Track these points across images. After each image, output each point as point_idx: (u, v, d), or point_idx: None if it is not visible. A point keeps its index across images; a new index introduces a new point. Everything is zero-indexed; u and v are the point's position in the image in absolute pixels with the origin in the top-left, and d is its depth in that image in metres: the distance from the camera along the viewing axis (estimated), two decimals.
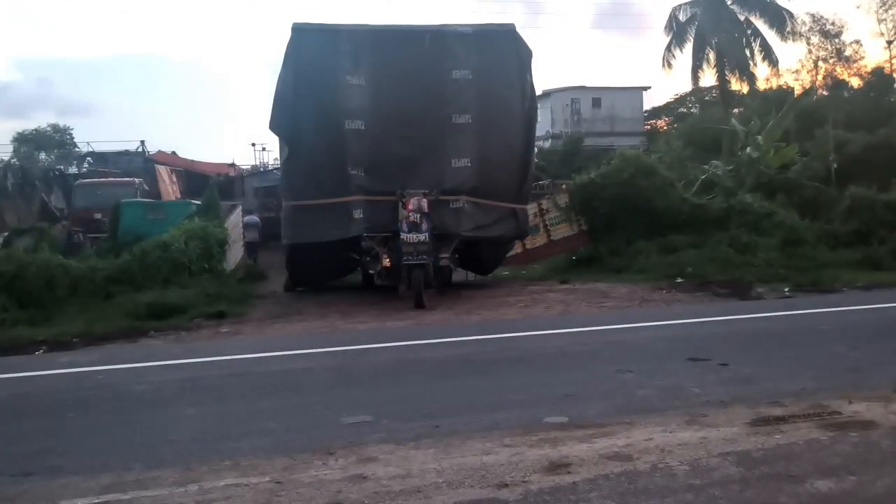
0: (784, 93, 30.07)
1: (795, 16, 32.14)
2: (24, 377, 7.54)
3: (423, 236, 11.50)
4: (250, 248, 19.79)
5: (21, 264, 11.56)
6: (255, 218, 20.94)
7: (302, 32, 12.68)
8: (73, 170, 32.97)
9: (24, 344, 9.44)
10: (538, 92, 15.33)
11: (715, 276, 13.20)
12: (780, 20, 31.30)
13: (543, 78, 50.57)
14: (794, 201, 17.49)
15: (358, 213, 12.33)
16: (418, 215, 11.59)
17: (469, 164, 12.53)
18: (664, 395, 5.75)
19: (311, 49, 12.58)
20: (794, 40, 32.70)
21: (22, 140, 39.63)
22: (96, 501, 3.99)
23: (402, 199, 11.97)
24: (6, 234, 18.33)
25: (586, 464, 4.23)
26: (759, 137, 19.61)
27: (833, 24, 33.12)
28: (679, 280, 13.15)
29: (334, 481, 4.12)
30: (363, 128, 12.31)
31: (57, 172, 29.72)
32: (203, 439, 5.09)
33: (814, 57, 33.63)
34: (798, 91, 31.01)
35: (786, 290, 12.08)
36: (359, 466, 4.33)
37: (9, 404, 6.50)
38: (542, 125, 31.48)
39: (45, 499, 4.05)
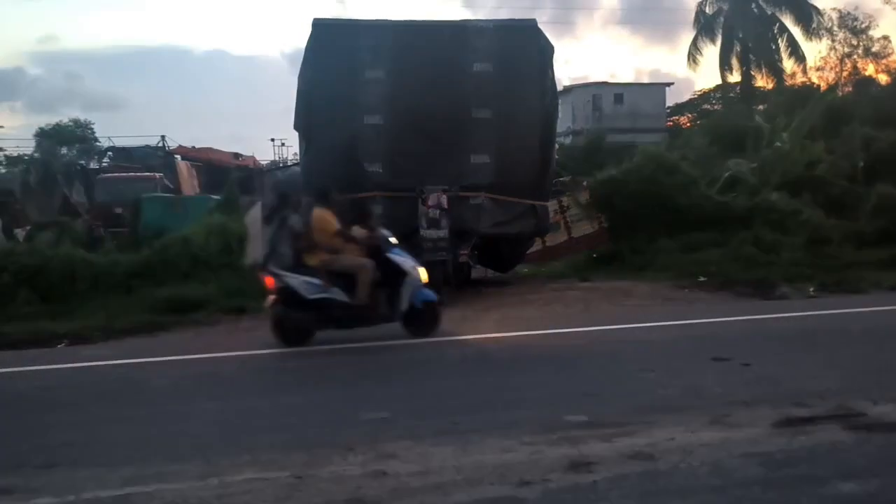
0: (810, 89, 29.69)
1: (822, 11, 31.77)
2: (47, 370, 7.63)
3: (442, 233, 11.48)
4: None
5: (44, 258, 11.68)
6: None
7: (322, 28, 12.71)
8: (94, 165, 33.35)
9: (47, 337, 9.54)
10: (559, 88, 15.25)
11: (738, 275, 13.03)
12: (807, 16, 30.93)
13: (565, 73, 50.44)
14: (819, 200, 17.23)
15: (376, 210, 12.32)
16: (437, 212, 11.57)
17: (488, 160, 12.49)
18: (686, 394, 5.70)
19: (331, 44, 12.60)
20: (820, 37, 32.30)
21: (44, 135, 40.12)
22: (118, 493, 4.02)
23: (421, 196, 11.95)
24: (29, 228, 18.56)
25: (607, 463, 4.20)
26: (785, 135, 19.37)
27: (857, 19, 32.66)
28: (701, 279, 13.01)
29: (354, 477, 4.12)
30: (381, 123, 12.31)
31: (78, 167, 30.06)
32: (223, 434, 5.11)
33: (839, 53, 33.20)
34: (823, 88, 30.63)
35: (811, 289, 11.92)
36: (378, 462, 4.33)
37: (32, 397, 6.58)
38: (563, 121, 31.32)
39: (69, 490, 4.09)
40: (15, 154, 36.63)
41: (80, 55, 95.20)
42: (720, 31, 32.24)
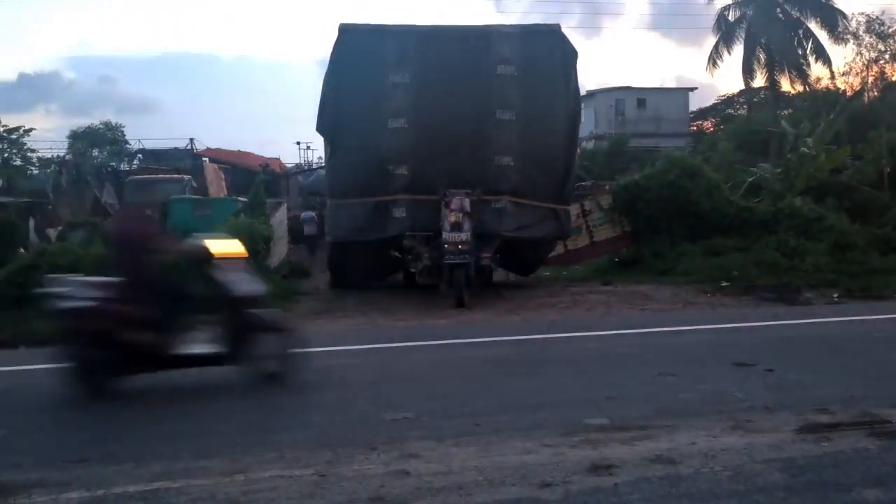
0: (835, 95, 29.37)
1: (849, 16, 31.37)
2: None
3: (464, 236, 11.54)
4: (309, 241, 21.19)
5: (75, 258, 11.90)
6: (311, 213, 22.74)
7: (348, 33, 12.84)
8: (124, 166, 33.87)
9: None
10: (582, 92, 15.27)
11: (761, 280, 12.97)
12: (833, 21, 30.56)
13: (590, 78, 50.46)
14: (844, 205, 17.07)
15: (400, 213, 12.42)
16: (460, 215, 11.64)
17: (511, 163, 12.54)
18: (708, 399, 5.70)
19: (357, 49, 12.72)
20: (846, 42, 31.88)
21: (76, 137, 40.73)
22: (147, 489, 4.10)
23: (444, 199, 12.02)
24: (61, 228, 18.91)
25: (628, 466, 4.22)
26: (810, 140, 19.20)
27: (883, 23, 32.18)
28: (724, 284, 12.96)
29: (377, 476, 4.18)
30: (406, 126, 12.40)
31: (109, 169, 30.58)
32: (248, 431, 5.20)
33: (865, 58, 32.75)
34: (849, 93, 30.26)
35: (835, 295, 11.83)
36: (400, 462, 4.38)
37: (63, 393, 6.70)
38: (586, 125, 31.26)
39: (99, 484, 4.18)
40: (48, 156, 37.33)
41: (113, 60, 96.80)
42: (743, 36, 31.91)
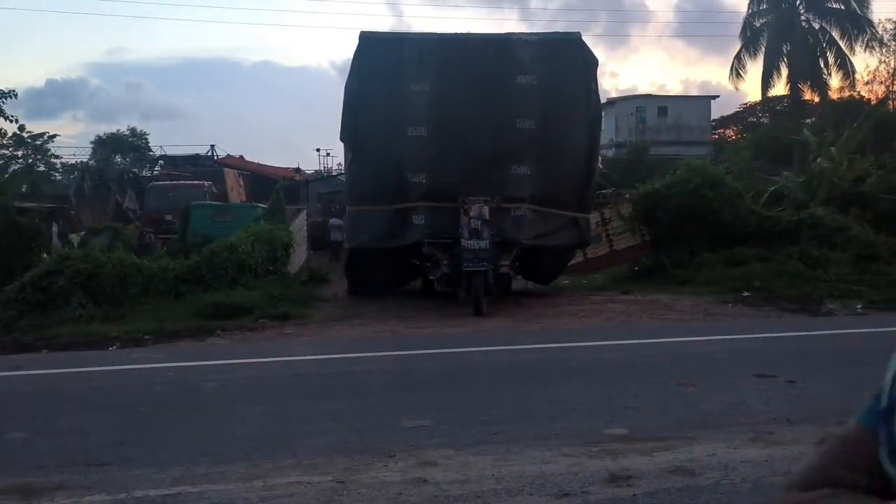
0: (859, 103, 29.11)
1: (875, 23, 31.05)
2: (99, 371, 7.88)
3: (483, 243, 11.52)
4: (335, 247, 21.46)
5: (97, 263, 12.05)
6: (338, 221, 22.92)
7: (369, 41, 12.91)
8: (146, 172, 34.27)
9: (99, 339, 9.84)
10: (603, 100, 15.23)
11: (783, 290, 12.82)
12: (859, 29, 30.29)
13: (613, 85, 50.38)
14: (868, 215, 16.88)
15: (419, 220, 12.43)
16: (479, 222, 11.62)
17: (531, 172, 12.51)
18: (728, 410, 5.64)
19: (378, 57, 12.78)
20: (872, 50, 31.58)
21: (99, 143, 41.25)
22: (167, 493, 4.13)
23: (463, 206, 12.02)
24: (83, 233, 19.14)
25: (647, 477, 4.19)
26: (833, 149, 19.01)
27: None
28: (745, 294, 12.83)
29: (394, 483, 4.18)
30: (425, 134, 12.42)
31: (131, 175, 30.93)
32: (267, 437, 5.23)
33: (891, 66, 32.43)
34: (873, 101, 29.94)
35: (858, 307, 11.66)
36: (418, 470, 4.38)
37: (86, 397, 6.79)
38: (606, 133, 31.14)
39: (120, 488, 4.22)
40: (72, 161, 37.86)
41: (138, 67, 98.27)
42: (765, 43, 31.69)
